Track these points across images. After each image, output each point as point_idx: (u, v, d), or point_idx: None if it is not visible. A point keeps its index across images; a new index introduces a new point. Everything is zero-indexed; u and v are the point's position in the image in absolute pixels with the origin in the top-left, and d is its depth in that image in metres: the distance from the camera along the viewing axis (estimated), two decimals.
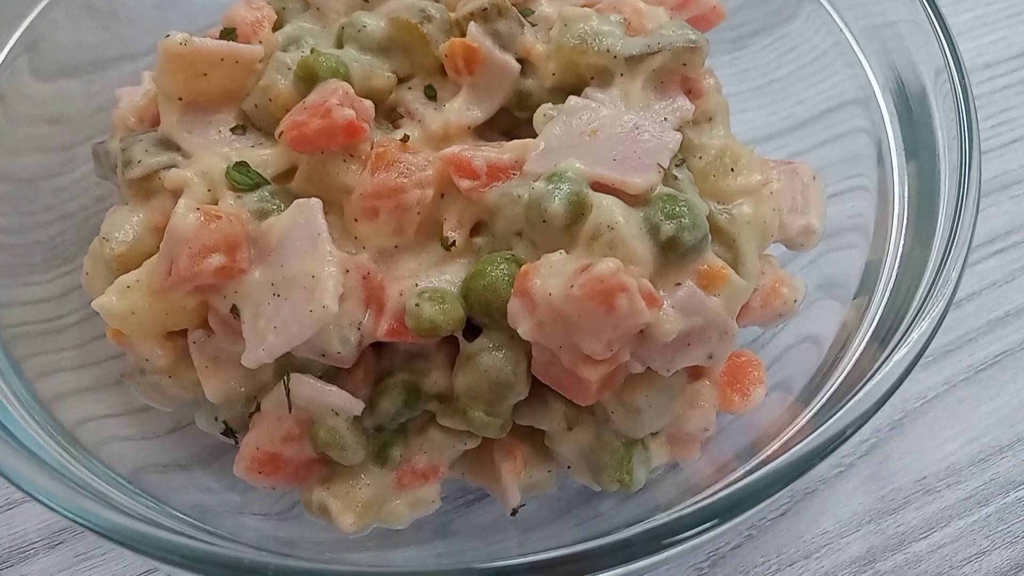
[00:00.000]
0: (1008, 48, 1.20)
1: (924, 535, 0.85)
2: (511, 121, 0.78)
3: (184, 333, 0.71)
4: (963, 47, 0.81)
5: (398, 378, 0.69)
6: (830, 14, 0.90)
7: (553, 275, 0.61)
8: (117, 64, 0.99)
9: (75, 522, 0.59)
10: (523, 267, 0.63)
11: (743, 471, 0.65)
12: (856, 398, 0.62)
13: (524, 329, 0.61)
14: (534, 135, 0.74)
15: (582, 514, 0.76)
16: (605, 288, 0.58)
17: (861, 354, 0.69)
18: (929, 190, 0.75)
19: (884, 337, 0.69)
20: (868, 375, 0.64)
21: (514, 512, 0.73)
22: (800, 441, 0.60)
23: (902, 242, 0.74)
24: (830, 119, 0.89)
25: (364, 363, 0.69)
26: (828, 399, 0.68)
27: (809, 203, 0.78)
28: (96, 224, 0.94)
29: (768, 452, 0.65)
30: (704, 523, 0.56)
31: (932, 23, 0.77)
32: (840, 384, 0.69)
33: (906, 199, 0.76)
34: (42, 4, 0.88)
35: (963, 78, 0.77)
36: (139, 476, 0.72)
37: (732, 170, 0.73)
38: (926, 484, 0.88)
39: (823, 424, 0.60)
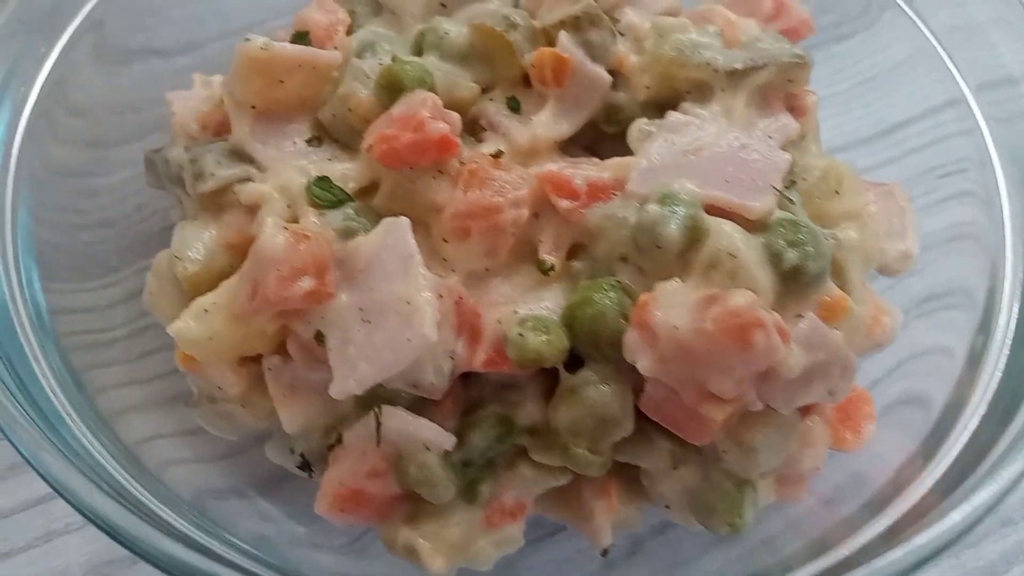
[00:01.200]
0: None
1: (1005, 570, 0.82)
2: (595, 135, 0.74)
3: (258, 358, 0.66)
4: None
5: (489, 410, 0.65)
6: (911, 17, 0.87)
7: (674, 306, 0.57)
8: (146, 59, 0.94)
9: (135, 552, 0.55)
10: (641, 298, 0.59)
11: (853, 510, 0.62)
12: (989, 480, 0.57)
13: (644, 364, 0.57)
14: (619, 150, 0.70)
15: (662, 552, 0.73)
16: (742, 324, 0.54)
17: (985, 416, 0.65)
18: None
19: (1010, 402, 0.64)
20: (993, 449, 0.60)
21: (605, 552, 0.69)
22: (931, 507, 0.57)
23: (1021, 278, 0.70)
24: (921, 124, 0.86)
25: (453, 393, 0.65)
26: (954, 462, 0.64)
27: (906, 227, 0.75)
28: (139, 234, 0.89)
29: (892, 509, 0.61)
30: None
31: None
32: (965, 446, 0.64)
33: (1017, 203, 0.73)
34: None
35: None
36: (200, 500, 0.68)
37: (837, 192, 0.70)
38: (1004, 516, 0.85)
39: (957, 495, 0.56)
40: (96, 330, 0.79)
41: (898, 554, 0.51)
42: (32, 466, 0.57)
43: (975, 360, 0.68)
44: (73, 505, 0.56)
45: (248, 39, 0.64)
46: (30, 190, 0.76)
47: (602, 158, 0.74)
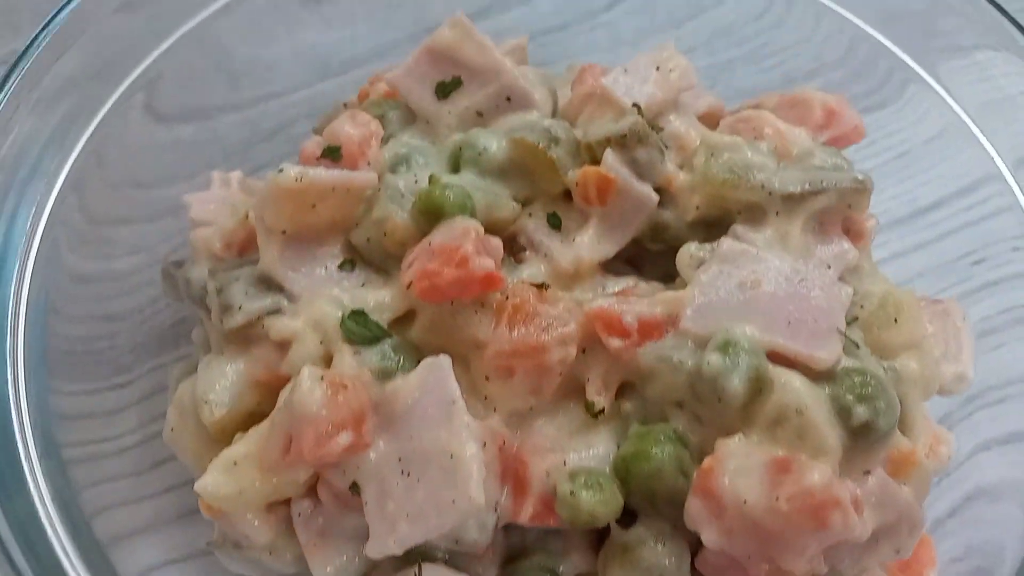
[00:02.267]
0: None
1: None
2: (638, 250, 0.71)
3: (287, 502, 0.62)
4: None
5: (533, 561, 0.61)
6: (938, 92, 0.84)
7: (741, 472, 0.54)
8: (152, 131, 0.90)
9: None
10: (705, 463, 0.55)
11: None
12: None
13: (709, 537, 0.54)
14: (663, 264, 0.67)
15: None
16: (817, 504, 0.50)
17: None
18: None
19: None
20: None
21: None
22: None
23: None
24: (959, 202, 0.83)
25: (493, 542, 0.61)
26: None
27: (962, 347, 0.72)
28: (151, 330, 0.85)
29: None
30: None
31: None
32: None
33: None
34: None
35: None
36: None
37: (896, 320, 0.66)
38: None
39: None
40: (101, 439, 0.75)
41: None
42: None
43: None
44: None
45: (282, 170, 0.60)
46: (43, 285, 0.72)
47: (644, 273, 0.71)
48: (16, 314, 0.70)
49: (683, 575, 0.58)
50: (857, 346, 0.61)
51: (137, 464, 0.76)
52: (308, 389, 0.56)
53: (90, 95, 0.77)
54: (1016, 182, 0.78)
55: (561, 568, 0.61)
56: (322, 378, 0.57)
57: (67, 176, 0.75)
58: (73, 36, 0.76)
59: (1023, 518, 0.66)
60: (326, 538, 0.62)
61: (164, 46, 0.85)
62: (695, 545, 0.58)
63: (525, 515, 0.59)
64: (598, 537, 0.62)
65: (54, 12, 0.76)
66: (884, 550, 0.57)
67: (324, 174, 0.62)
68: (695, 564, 0.59)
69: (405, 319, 0.64)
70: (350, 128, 0.68)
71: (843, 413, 0.57)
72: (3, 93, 0.70)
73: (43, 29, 0.75)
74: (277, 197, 0.61)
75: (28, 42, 0.74)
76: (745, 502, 0.52)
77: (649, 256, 0.71)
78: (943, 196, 0.89)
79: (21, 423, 0.67)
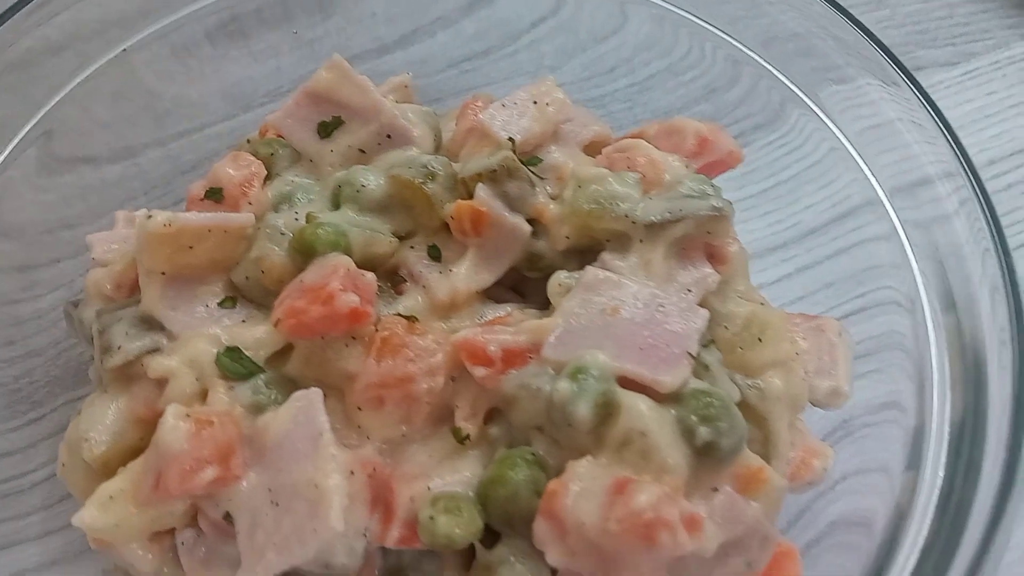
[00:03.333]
0: (1011, 142, 1.16)
1: None
2: (520, 276, 0.73)
3: (172, 532, 0.65)
4: (964, 142, 0.77)
5: None
6: (821, 119, 0.86)
7: (584, 496, 0.56)
8: (78, 169, 0.93)
9: None
10: (549, 486, 0.58)
11: None
12: None
13: (553, 557, 0.56)
14: (544, 292, 0.69)
15: None
16: (645, 523, 0.53)
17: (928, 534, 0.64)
18: (968, 333, 0.71)
19: (952, 513, 0.64)
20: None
21: None
22: None
23: (949, 387, 0.69)
24: (842, 226, 0.85)
25: (369, 565, 0.64)
26: None
27: (836, 363, 0.74)
28: (67, 362, 0.87)
29: None
30: None
31: (935, 121, 0.74)
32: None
33: (935, 301, 0.73)
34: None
35: (978, 182, 0.74)
36: None
37: (760, 340, 0.69)
38: None
39: None
40: (12, 477, 0.78)
41: None
42: None
43: (911, 479, 0.67)
44: None
45: (150, 216, 0.63)
46: None
47: (527, 298, 0.74)
48: None
49: None
50: (707, 368, 0.63)
51: (47, 498, 0.79)
52: (171, 427, 0.58)
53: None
54: (893, 208, 0.81)
55: None
56: (188, 415, 0.60)
57: None
58: None
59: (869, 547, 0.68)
60: (209, 566, 0.64)
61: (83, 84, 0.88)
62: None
63: (391, 539, 0.61)
64: (471, 559, 0.64)
65: None
66: (734, 564, 0.59)
67: (195, 217, 0.65)
68: None
69: (283, 353, 0.67)
70: (231, 170, 0.71)
71: (687, 434, 0.59)
72: None
73: None
74: (150, 242, 0.64)
75: None
76: (583, 524, 0.55)
77: (531, 283, 0.73)
78: (824, 221, 0.91)
79: None
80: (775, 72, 0.89)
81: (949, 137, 0.77)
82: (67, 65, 0.87)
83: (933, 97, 0.80)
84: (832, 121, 0.86)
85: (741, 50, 0.89)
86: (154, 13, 0.91)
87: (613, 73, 1.05)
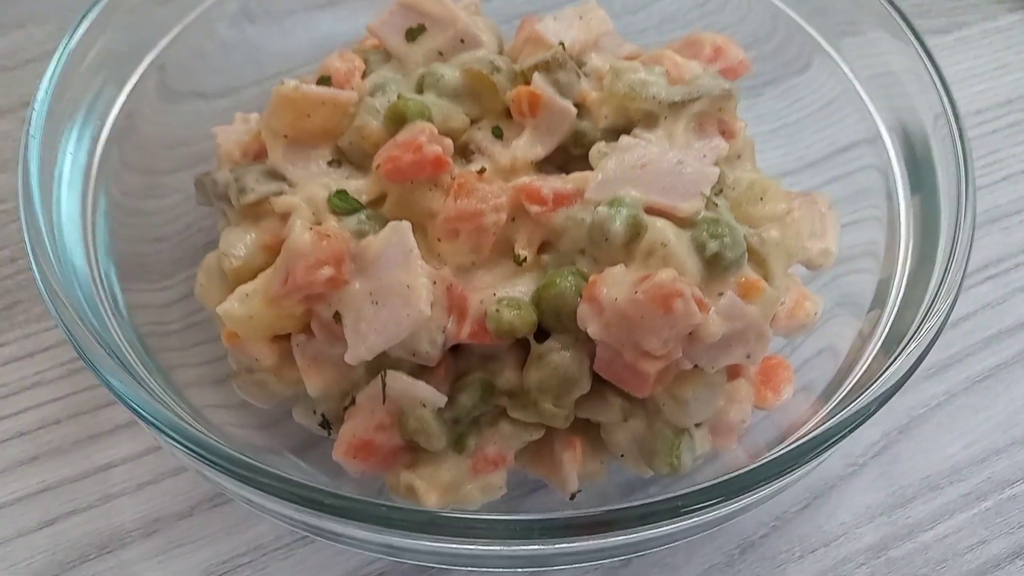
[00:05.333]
0: (995, 96, 1.33)
1: (931, 526, 0.94)
2: (566, 157, 0.89)
3: (288, 337, 0.81)
4: (956, 95, 0.93)
5: (475, 376, 0.79)
6: (839, 64, 1.02)
7: (616, 284, 0.72)
8: (192, 101, 1.10)
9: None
10: (591, 278, 0.74)
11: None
12: (864, 395, 0.73)
13: (593, 329, 0.72)
14: (588, 169, 0.85)
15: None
16: (665, 293, 0.69)
17: (872, 360, 0.80)
18: (931, 221, 0.87)
19: (891, 348, 0.80)
20: (876, 377, 0.75)
21: (572, 496, 0.83)
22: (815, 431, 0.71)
23: (908, 265, 0.85)
24: (842, 158, 1.02)
25: (445, 363, 0.79)
26: (843, 398, 0.79)
27: (826, 229, 0.90)
28: (191, 247, 1.04)
29: (793, 443, 0.75)
30: (719, 497, 0.66)
31: (930, 74, 0.90)
32: (853, 386, 0.80)
33: (911, 228, 0.88)
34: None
35: (959, 123, 0.89)
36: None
37: (761, 199, 0.84)
38: (931, 482, 0.97)
39: (834, 417, 0.71)
40: (157, 322, 0.94)
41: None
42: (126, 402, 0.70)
43: (865, 335, 0.83)
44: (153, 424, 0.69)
45: (282, 82, 0.81)
46: (106, 208, 0.92)
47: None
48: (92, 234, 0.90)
49: (583, 374, 0.76)
50: (716, 205, 0.79)
51: (181, 343, 0.96)
52: (299, 233, 0.75)
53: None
54: (890, 144, 0.96)
55: (497, 381, 0.79)
56: (311, 228, 0.77)
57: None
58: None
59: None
60: (317, 362, 0.80)
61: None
62: (593, 354, 0.76)
63: (465, 334, 0.77)
64: (525, 359, 0.80)
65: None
66: (736, 352, 0.75)
67: (315, 88, 0.82)
68: (594, 369, 0.77)
69: (379, 201, 0.84)
70: (338, 63, 0.89)
71: (700, 248, 0.75)
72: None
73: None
74: (279, 105, 0.82)
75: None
76: (616, 300, 0.71)
77: (575, 161, 0.90)
78: (834, 150, 1.06)
79: (103, 306, 0.85)
80: (803, 24, 1.05)
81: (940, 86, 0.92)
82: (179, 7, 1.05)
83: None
84: (848, 66, 1.01)
85: (776, 5, 1.05)
86: None
87: (644, 34, 1.22)
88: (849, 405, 0.70)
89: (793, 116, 1.12)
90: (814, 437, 0.68)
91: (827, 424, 0.69)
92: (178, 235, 1.03)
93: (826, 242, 0.89)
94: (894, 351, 0.76)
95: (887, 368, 0.73)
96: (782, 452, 0.68)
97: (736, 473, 0.67)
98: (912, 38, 0.92)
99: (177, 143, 1.07)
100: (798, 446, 0.68)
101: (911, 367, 0.74)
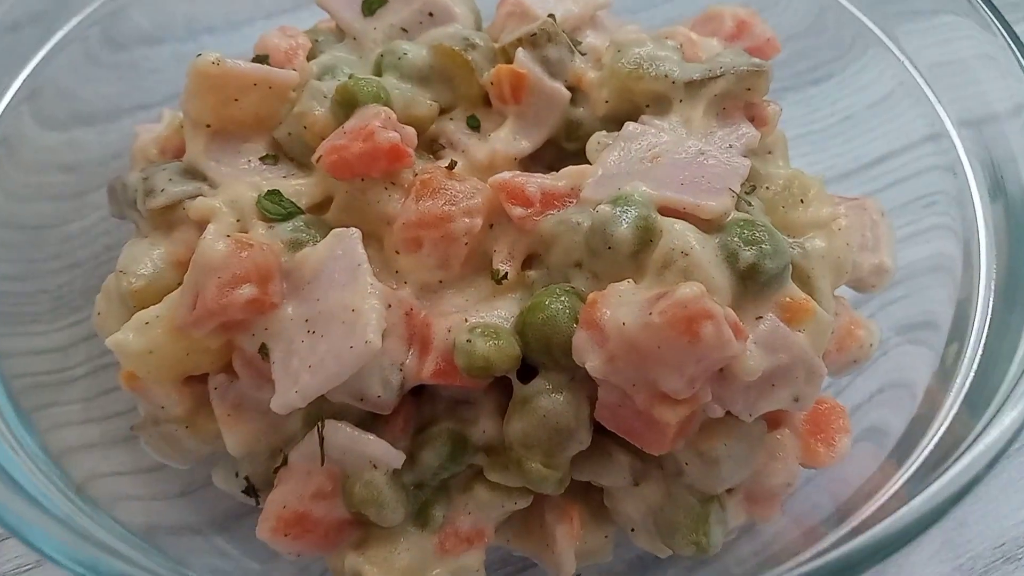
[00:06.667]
0: None
1: None
2: (558, 153, 0.74)
3: (204, 378, 0.64)
4: None
5: (442, 427, 0.62)
6: (895, 55, 0.86)
7: (623, 304, 0.55)
8: (133, 113, 0.96)
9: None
10: (590, 296, 0.57)
11: (831, 537, 0.58)
12: (955, 466, 0.55)
13: (593, 364, 0.55)
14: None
15: None
16: (689, 315, 0.51)
17: (957, 412, 0.63)
18: (1019, 230, 0.70)
19: (980, 396, 0.62)
20: (966, 441, 0.57)
21: None
22: (897, 508, 0.53)
23: (993, 283, 0.68)
24: (898, 160, 0.85)
25: (404, 410, 0.63)
26: (923, 463, 0.61)
27: (879, 240, 0.73)
28: (106, 273, 0.89)
29: (861, 516, 0.57)
30: None
31: (1016, 57, 0.73)
32: (935, 447, 0.61)
33: (992, 237, 0.71)
34: (43, 52, 0.85)
35: None
36: (153, 535, 0.66)
37: (802, 201, 0.68)
38: (1006, 551, 0.81)
39: (920, 492, 0.53)
40: (55, 370, 0.78)
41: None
42: None
43: (944, 376, 0.66)
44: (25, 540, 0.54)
45: (200, 54, 0.64)
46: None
47: None
48: None
49: (581, 424, 0.59)
50: (750, 204, 0.62)
51: (86, 392, 0.79)
52: (211, 242, 0.59)
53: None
54: (960, 140, 0.80)
55: (470, 433, 0.62)
56: (228, 236, 0.60)
57: None
58: None
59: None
60: (240, 410, 0.63)
61: None
62: (594, 398, 0.59)
63: (427, 371, 0.60)
64: (507, 404, 0.63)
65: None
66: (780, 396, 0.57)
67: (243, 65, 0.66)
68: (595, 418, 0.59)
69: (323, 206, 0.67)
70: (277, 39, 0.73)
71: (731, 258, 0.58)
72: None
73: None
74: (198, 84, 0.65)
75: None
76: (623, 324, 0.53)
77: (570, 159, 0.73)
78: (891, 150, 0.91)
79: None
80: (854, 11, 0.89)
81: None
82: None
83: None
84: (906, 56, 0.86)
85: None
86: None
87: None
88: (938, 478, 0.52)
89: (832, 118, 0.96)
90: (900, 529, 0.50)
91: (916, 507, 0.51)
92: (93, 259, 0.87)
93: (880, 256, 0.72)
94: (984, 403, 0.58)
95: (981, 431, 0.55)
96: (852, 549, 0.49)
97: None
98: (991, 18, 0.75)
99: (109, 157, 0.92)
100: (874, 541, 0.49)
101: (1015, 432, 0.56)
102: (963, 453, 0.54)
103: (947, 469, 0.53)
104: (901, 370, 0.71)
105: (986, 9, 0.77)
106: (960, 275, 0.72)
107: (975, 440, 0.55)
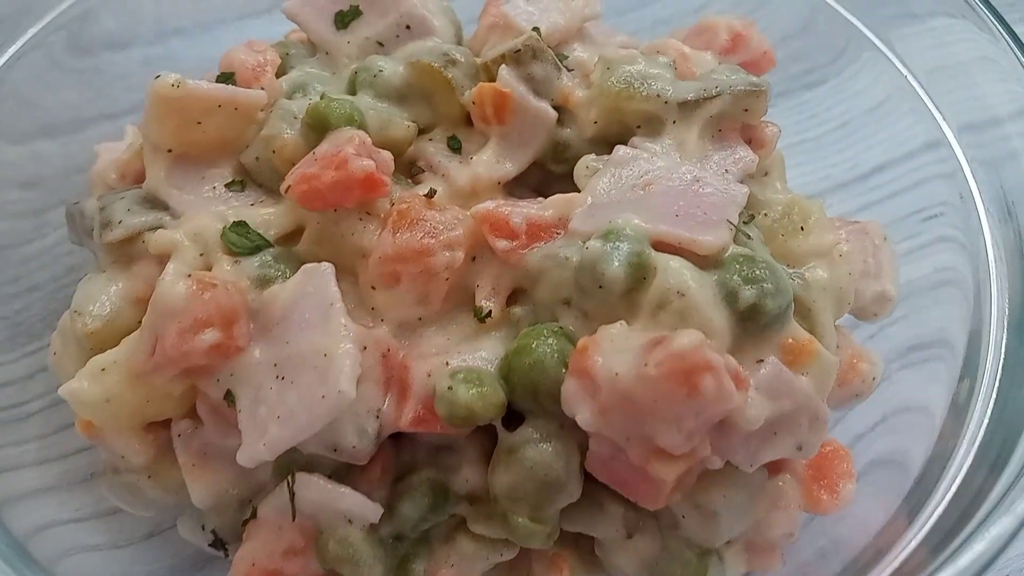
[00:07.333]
0: None
1: None
2: (544, 176, 0.69)
3: (167, 424, 0.60)
4: None
5: (422, 475, 0.58)
6: (890, 59, 0.82)
7: (617, 351, 0.51)
8: (98, 123, 0.91)
9: None
10: (580, 342, 0.53)
11: None
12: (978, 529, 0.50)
13: (584, 417, 0.51)
14: (569, 191, 0.65)
15: None
16: (687, 367, 0.48)
17: (974, 459, 0.59)
18: None
19: (997, 457, 0.58)
20: (984, 503, 0.53)
21: None
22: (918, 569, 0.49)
23: (1007, 301, 0.64)
24: (895, 170, 0.81)
25: (382, 457, 0.59)
26: (941, 517, 0.57)
27: (882, 266, 0.70)
28: (67, 297, 0.84)
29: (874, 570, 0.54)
30: None
31: (1018, 59, 0.70)
32: (951, 500, 0.57)
33: (1001, 250, 0.67)
34: (3, 59, 0.80)
35: None
36: None
37: (802, 228, 0.64)
38: None
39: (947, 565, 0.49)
40: (10, 406, 0.74)
41: None
42: None
43: (958, 413, 0.61)
44: None
45: (158, 76, 0.60)
46: None
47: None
48: None
49: (571, 476, 0.55)
50: (749, 237, 0.58)
51: (43, 428, 0.75)
52: (171, 283, 0.54)
53: None
54: (960, 147, 0.77)
55: (452, 483, 0.58)
56: (189, 276, 0.55)
57: None
58: None
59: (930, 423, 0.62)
60: (207, 460, 0.59)
61: None
62: (585, 447, 0.55)
63: (406, 420, 0.56)
64: (491, 451, 0.59)
65: None
66: (783, 444, 0.54)
67: (204, 85, 0.62)
68: (586, 468, 0.55)
69: (294, 236, 0.63)
70: (244, 55, 0.68)
71: (730, 297, 0.54)
72: None
73: None
74: (157, 108, 0.61)
75: None
76: (617, 374, 0.49)
77: (557, 182, 0.69)
78: (889, 160, 0.87)
79: None
80: (845, 14, 0.85)
81: None
82: None
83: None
84: (901, 61, 0.82)
85: None
86: None
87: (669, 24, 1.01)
88: (958, 537, 0.48)
89: (827, 125, 0.92)
90: None
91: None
92: (54, 282, 0.83)
93: (883, 283, 0.69)
94: (1001, 445, 0.55)
95: (998, 503, 0.51)
96: None
97: None
98: (989, 19, 0.71)
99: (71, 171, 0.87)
100: None
101: None
102: (985, 514, 0.50)
103: (970, 535, 0.49)
104: (906, 395, 0.67)
105: (984, 10, 0.73)
106: (970, 291, 0.68)
107: (996, 495, 0.51)
